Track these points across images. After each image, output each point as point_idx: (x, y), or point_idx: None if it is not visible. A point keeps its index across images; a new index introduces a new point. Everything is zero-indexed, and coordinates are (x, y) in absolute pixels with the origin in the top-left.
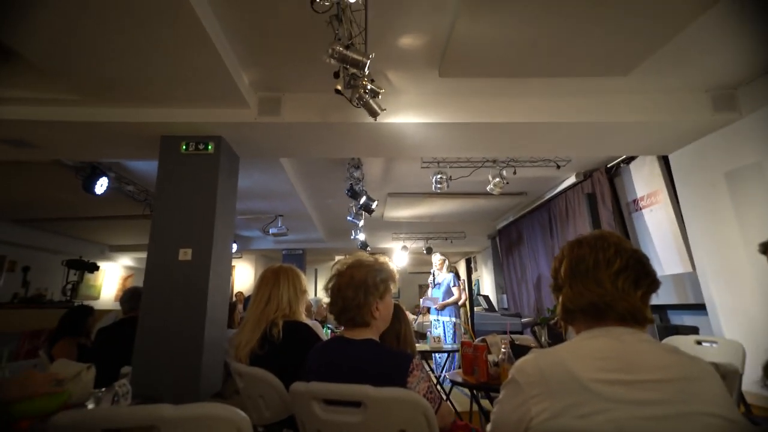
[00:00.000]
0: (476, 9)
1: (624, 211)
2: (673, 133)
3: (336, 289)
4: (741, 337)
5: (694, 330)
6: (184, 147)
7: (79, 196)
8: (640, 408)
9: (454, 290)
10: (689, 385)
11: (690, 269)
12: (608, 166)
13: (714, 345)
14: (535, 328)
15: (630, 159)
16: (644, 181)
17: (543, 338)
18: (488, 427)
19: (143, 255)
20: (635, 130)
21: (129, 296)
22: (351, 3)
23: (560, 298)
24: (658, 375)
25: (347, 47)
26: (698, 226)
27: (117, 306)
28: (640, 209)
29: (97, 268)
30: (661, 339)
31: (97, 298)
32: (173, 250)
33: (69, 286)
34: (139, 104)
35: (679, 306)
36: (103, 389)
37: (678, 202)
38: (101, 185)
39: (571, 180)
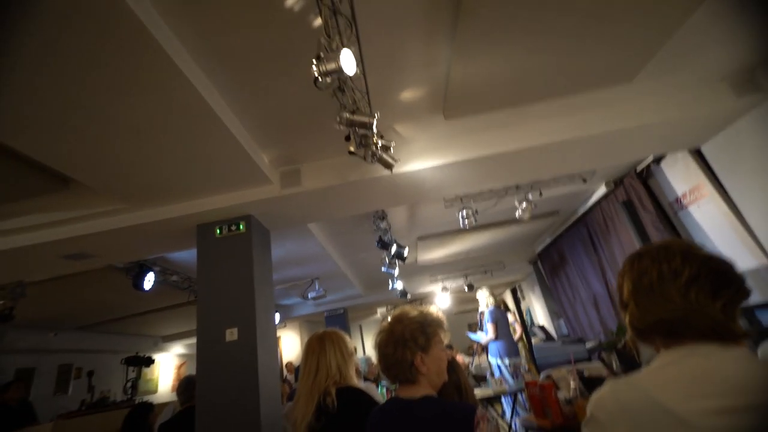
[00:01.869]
0: (467, 53)
1: (668, 211)
2: (698, 126)
3: (379, 346)
4: None
5: None
6: (218, 231)
7: (131, 294)
8: None
9: (488, 327)
10: None
11: (765, 260)
12: (637, 169)
13: None
14: (602, 354)
15: (659, 158)
16: (682, 177)
17: (614, 365)
18: None
19: (193, 341)
20: (654, 131)
21: (184, 387)
22: (350, 76)
23: (627, 318)
24: (762, 398)
25: (353, 112)
26: (758, 214)
27: (174, 397)
28: (686, 207)
29: (152, 361)
30: (756, 345)
31: (155, 391)
32: (220, 332)
33: (129, 384)
34: (174, 200)
35: (765, 304)
36: None
37: (726, 191)
38: (149, 281)
39: (602, 190)
